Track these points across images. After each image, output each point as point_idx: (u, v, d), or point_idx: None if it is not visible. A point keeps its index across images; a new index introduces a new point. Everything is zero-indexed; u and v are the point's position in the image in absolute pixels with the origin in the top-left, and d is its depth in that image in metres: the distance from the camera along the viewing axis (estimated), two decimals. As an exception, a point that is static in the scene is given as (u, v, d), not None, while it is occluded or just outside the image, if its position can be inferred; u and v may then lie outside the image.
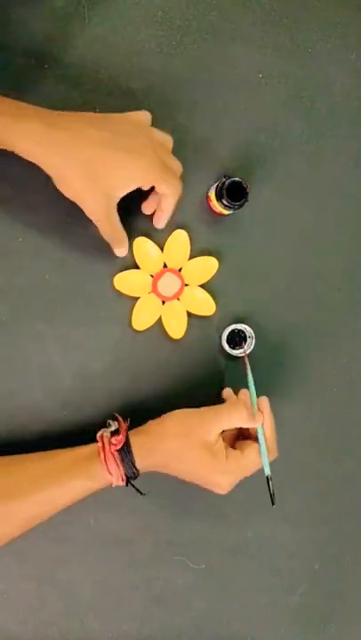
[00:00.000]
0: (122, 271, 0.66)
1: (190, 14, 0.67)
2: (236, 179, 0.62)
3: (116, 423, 0.60)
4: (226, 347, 0.67)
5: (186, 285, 0.66)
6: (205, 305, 0.67)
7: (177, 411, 0.60)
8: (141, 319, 0.66)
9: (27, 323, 0.65)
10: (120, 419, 0.60)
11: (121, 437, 0.58)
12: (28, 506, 0.57)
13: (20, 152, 0.55)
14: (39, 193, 0.62)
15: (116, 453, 0.58)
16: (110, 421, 0.60)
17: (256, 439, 0.60)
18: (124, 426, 0.59)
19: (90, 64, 0.66)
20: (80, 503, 0.66)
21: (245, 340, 0.67)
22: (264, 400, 0.62)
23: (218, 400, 0.65)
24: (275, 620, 0.70)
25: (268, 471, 0.60)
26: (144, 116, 0.61)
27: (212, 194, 0.64)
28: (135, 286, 0.66)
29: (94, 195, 0.57)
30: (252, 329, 0.67)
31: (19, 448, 0.61)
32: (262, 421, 0.60)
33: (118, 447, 0.58)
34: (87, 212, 0.58)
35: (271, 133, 0.69)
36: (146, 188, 0.59)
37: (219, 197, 0.63)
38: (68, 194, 0.57)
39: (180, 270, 0.66)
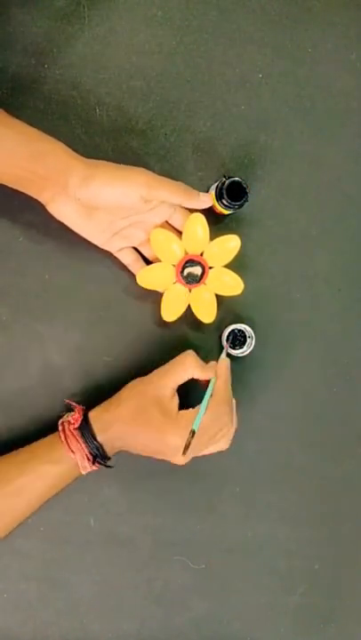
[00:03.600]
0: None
1: (190, 14, 0.67)
2: (236, 179, 0.62)
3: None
4: (226, 347, 0.67)
5: (210, 268, 0.65)
6: (233, 285, 0.66)
7: (133, 380, 0.61)
8: (171, 310, 0.65)
9: (27, 323, 0.65)
10: (74, 403, 0.62)
11: (77, 415, 0.59)
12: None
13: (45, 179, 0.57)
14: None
15: (75, 432, 0.58)
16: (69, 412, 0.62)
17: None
18: (79, 407, 0.61)
19: (89, 64, 0.66)
20: (80, 503, 0.66)
21: (246, 341, 0.67)
22: (224, 360, 0.63)
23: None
24: (274, 620, 0.70)
25: (196, 426, 0.57)
26: None
27: (212, 194, 0.64)
28: (159, 280, 0.65)
29: (129, 171, 0.58)
30: (252, 329, 0.67)
31: (18, 447, 0.61)
32: (215, 374, 0.61)
33: (76, 425, 0.58)
34: (145, 185, 0.58)
35: (271, 133, 0.69)
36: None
37: (219, 197, 0.63)
38: (118, 193, 0.58)
39: (201, 254, 0.65)
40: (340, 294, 0.71)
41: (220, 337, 0.67)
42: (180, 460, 0.59)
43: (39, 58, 0.65)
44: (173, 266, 0.65)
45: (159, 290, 0.65)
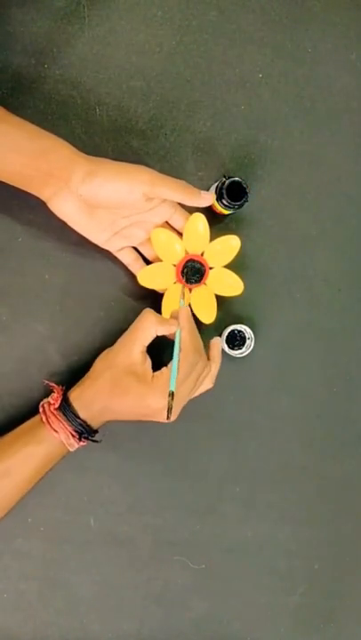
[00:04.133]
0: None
1: (190, 14, 0.67)
2: (236, 179, 0.62)
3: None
4: (225, 347, 0.66)
5: (211, 269, 0.65)
6: (233, 285, 0.66)
7: (102, 353, 0.62)
8: (171, 310, 0.65)
9: (27, 323, 0.65)
10: (53, 384, 0.62)
11: (57, 396, 0.60)
12: None
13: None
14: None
15: (56, 412, 0.59)
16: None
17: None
18: (58, 387, 0.61)
19: (89, 64, 0.66)
20: (79, 503, 0.66)
21: (245, 342, 0.67)
22: (184, 309, 0.62)
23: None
24: (274, 620, 0.70)
25: (172, 386, 0.57)
26: None
27: (212, 194, 0.64)
28: (160, 279, 0.65)
29: (131, 168, 0.58)
30: (252, 329, 0.67)
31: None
32: (177, 326, 0.60)
33: (56, 405, 0.59)
34: (149, 183, 0.58)
35: (271, 133, 0.69)
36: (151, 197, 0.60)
37: (219, 197, 0.63)
38: (122, 189, 0.58)
39: (202, 254, 0.65)
40: (340, 294, 0.71)
41: (220, 337, 0.67)
42: (164, 417, 0.58)
43: (39, 58, 0.65)
44: (174, 266, 0.65)
45: (159, 289, 0.65)
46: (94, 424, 0.60)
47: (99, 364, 0.61)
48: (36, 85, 0.65)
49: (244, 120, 0.68)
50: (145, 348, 0.60)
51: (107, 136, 0.66)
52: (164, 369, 0.59)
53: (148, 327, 0.60)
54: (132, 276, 0.66)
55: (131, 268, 0.65)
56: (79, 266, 0.66)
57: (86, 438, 0.59)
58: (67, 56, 0.65)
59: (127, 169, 0.58)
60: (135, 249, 0.65)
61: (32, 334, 0.65)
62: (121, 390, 0.58)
